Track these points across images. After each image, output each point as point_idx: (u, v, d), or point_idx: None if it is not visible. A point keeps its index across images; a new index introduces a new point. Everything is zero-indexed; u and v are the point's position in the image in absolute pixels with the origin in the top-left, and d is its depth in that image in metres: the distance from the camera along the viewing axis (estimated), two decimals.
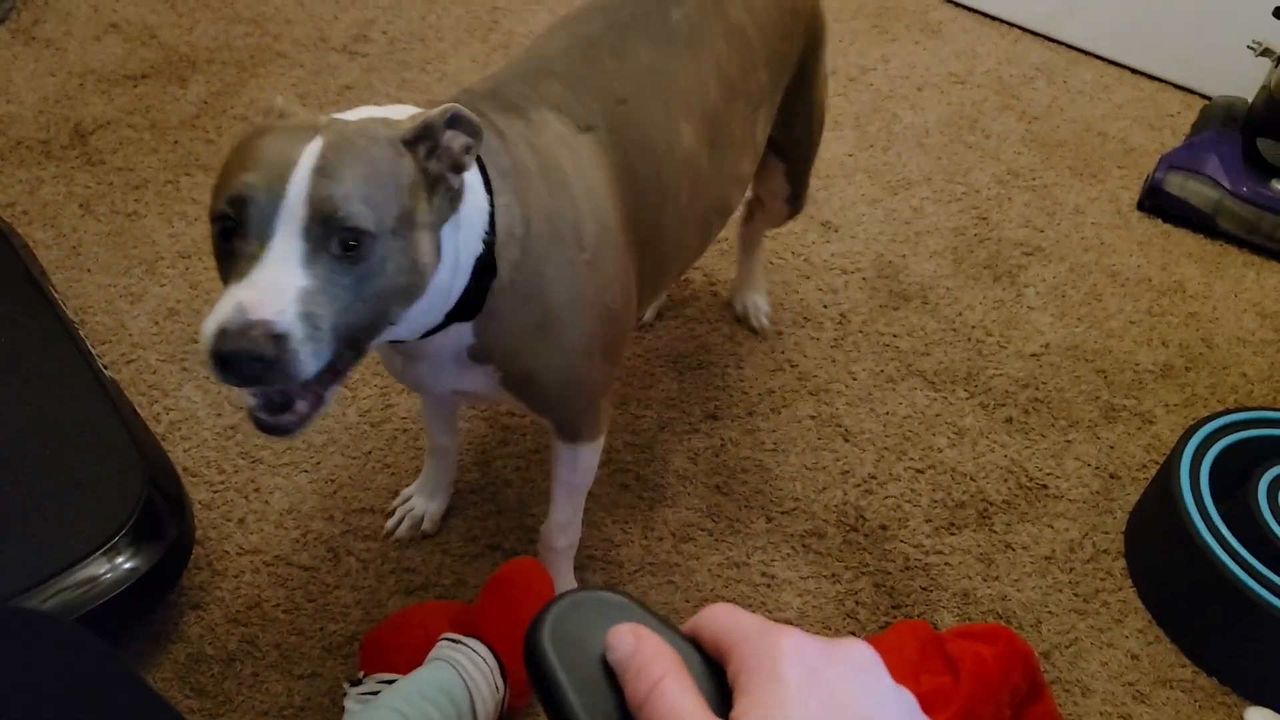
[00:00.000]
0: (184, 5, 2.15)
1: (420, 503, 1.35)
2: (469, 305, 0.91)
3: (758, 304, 1.64)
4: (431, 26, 2.16)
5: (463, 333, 0.94)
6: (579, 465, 1.16)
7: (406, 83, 2.01)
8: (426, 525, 1.35)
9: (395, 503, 1.37)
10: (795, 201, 1.47)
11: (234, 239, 0.76)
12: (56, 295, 1.44)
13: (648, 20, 1.09)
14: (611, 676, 0.43)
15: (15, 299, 1.39)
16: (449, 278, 0.87)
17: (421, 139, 0.82)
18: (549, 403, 1.07)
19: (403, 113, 0.86)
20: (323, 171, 0.75)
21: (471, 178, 0.88)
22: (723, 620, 0.42)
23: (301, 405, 0.80)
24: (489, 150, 0.91)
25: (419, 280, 0.82)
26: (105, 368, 1.35)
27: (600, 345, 1.03)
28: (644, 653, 0.41)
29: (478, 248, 0.89)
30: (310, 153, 0.76)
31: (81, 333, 1.39)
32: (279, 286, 0.73)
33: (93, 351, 1.36)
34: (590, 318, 1.00)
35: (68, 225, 1.69)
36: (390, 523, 1.35)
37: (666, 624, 0.45)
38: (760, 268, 1.64)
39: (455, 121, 0.82)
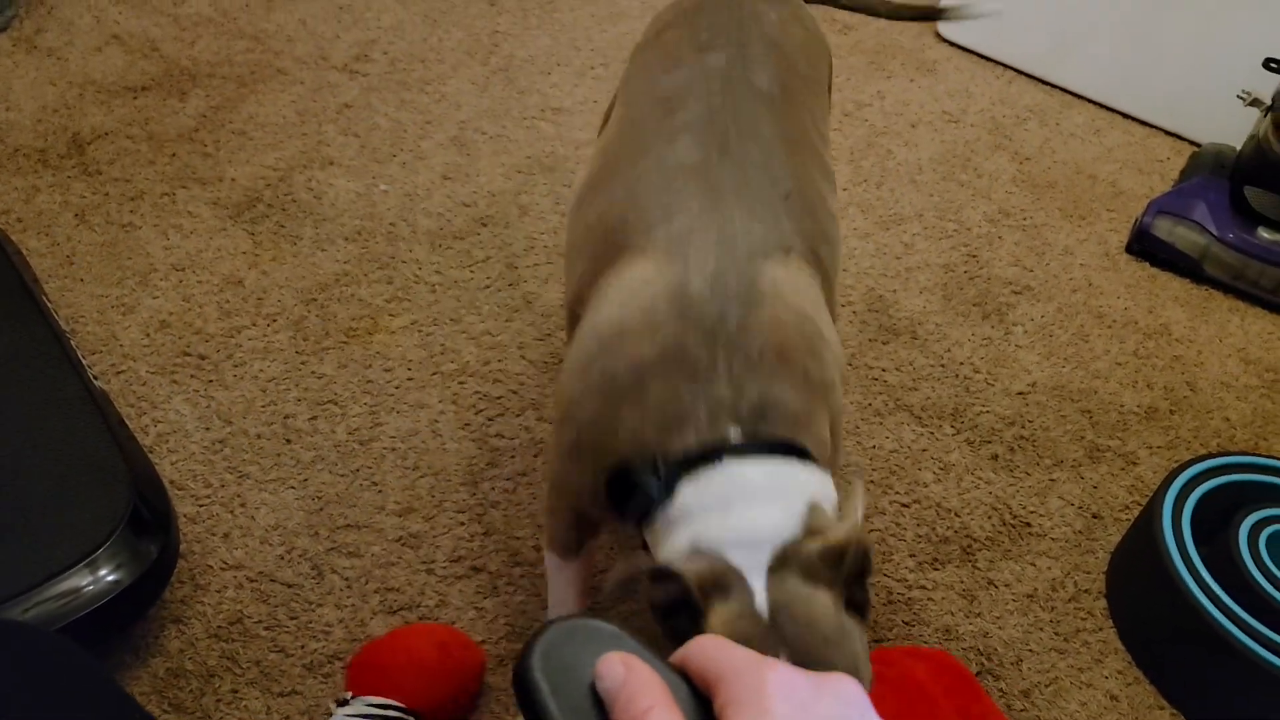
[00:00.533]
0: (186, 20, 2.16)
1: None
2: None
3: None
4: (432, 48, 2.18)
5: None
6: None
7: (406, 103, 2.02)
8: None
9: None
10: None
11: None
12: (49, 304, 1.44)
13: (742, 88, 1.08)
14: (600, 706, 0.43)
15: (7, 306, 1.39)
16: None
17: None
18: None
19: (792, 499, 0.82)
20: None
21: None
22: (711, 652, 0.43)
23: None
24: None
25: None
26: (95, 378, 1.35)
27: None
28: (633, 683, 0.41)
29: None
30: None
31: (73, 342, 1.39)
32: None
33: (83, 361, 1.36)
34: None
35: (62, 234, 1.69)
36: None
37: (656, 655, 0.45)
38: None
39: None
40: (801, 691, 0.39)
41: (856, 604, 0.79)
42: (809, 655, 0.73)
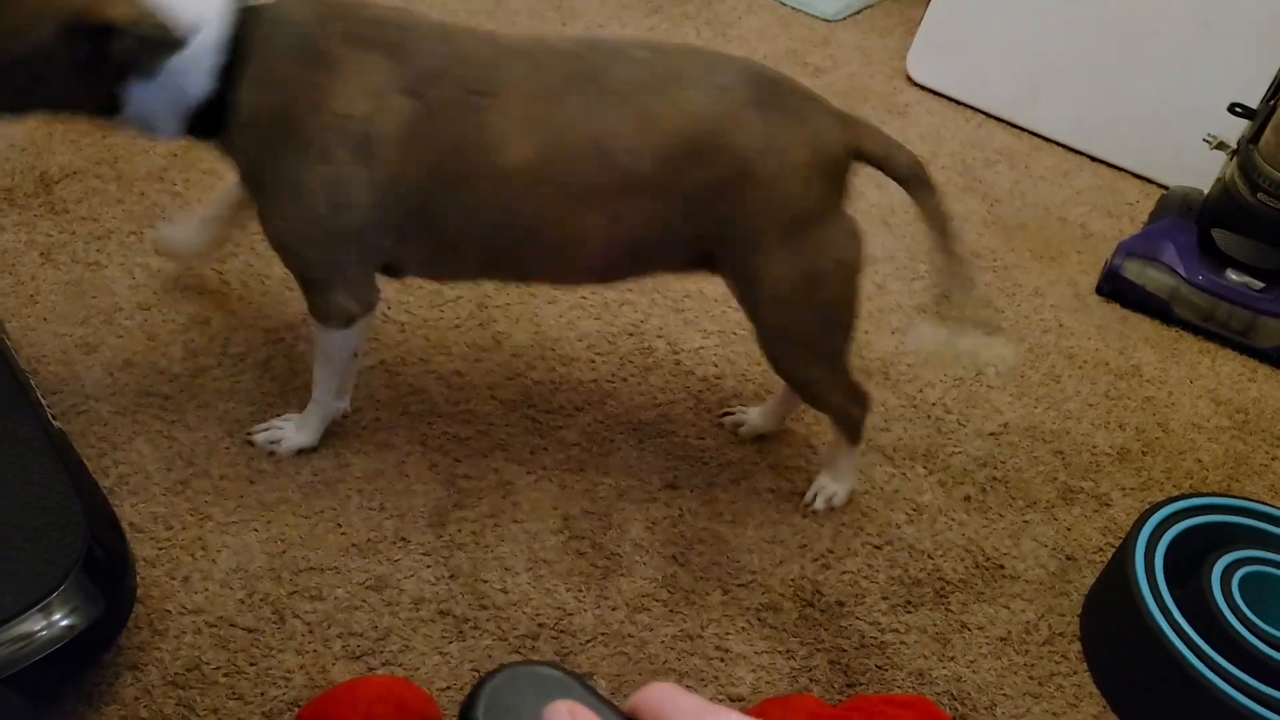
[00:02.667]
0: None
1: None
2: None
3: (826, 486, 1.52)
4: None
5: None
6: (319, 343, 1.38)
7: None
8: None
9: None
10: (780, 369, 1.42)
11: None
12: (10, 343, 1.42)
13: (595, 70, 1.22)
14: None
15: None
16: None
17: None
18: (284, 260, 1.31)
19: None
20: None
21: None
22: (661, 700, 0.41)
23: None
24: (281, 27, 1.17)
25: None
26: (54, 418, 1.33)
27: (312, 235, 1.25)
28: None
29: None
30: None
31: (33, 381, 1.36)
32: None
33: (42, 401, 1.33)
34: (304, 211, 1.22)
35: (26, 273, 1.67)
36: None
37: (605, 702, 0.44)
38: (845, 457, 1.50)
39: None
40: None
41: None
42: None
